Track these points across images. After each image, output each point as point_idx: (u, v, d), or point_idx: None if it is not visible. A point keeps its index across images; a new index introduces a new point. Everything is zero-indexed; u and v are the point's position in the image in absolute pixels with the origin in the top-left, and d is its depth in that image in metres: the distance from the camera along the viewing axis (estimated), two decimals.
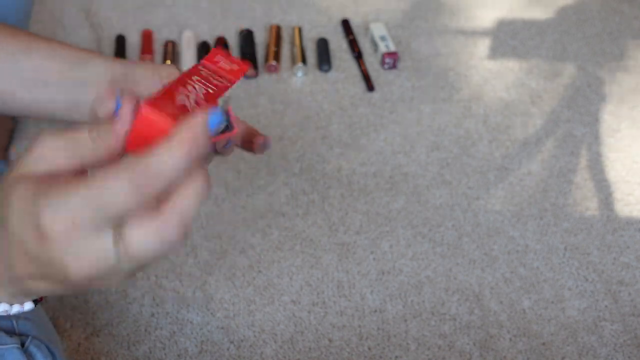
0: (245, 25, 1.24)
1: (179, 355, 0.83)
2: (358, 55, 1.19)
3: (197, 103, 0.45)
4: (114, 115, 0.43)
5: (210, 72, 0.51)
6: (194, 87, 0.47)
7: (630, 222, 0.99)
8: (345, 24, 1.25)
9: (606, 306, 0.90)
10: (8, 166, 0.97)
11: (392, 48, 1.18)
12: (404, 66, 1.19)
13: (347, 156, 1.05)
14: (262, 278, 0.90)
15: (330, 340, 0.85)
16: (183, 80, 0.46)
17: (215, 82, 0.49)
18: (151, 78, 0.60)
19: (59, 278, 0.39)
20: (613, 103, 1.15)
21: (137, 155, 0.36)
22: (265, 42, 1.22)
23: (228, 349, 0.84)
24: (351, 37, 1.22)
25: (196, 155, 0.36)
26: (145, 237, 0.37)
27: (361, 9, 1.29)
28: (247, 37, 1.21)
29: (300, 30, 1.23)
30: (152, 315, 0.86)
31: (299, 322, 0.86)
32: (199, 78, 0.49)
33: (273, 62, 1.17)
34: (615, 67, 1.21)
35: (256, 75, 1.16)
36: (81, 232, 0.37)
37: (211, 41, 1.20)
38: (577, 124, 1.12)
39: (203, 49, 1.18)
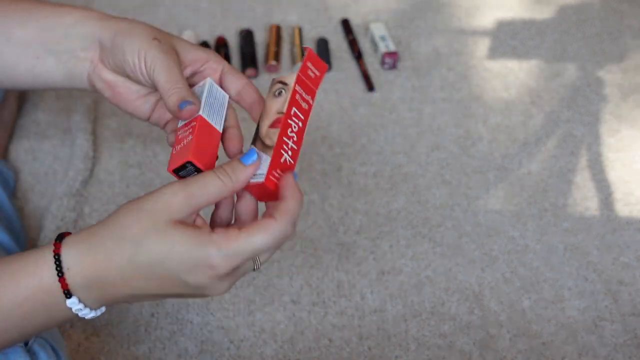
0: (245, 25, 1.24)
1: (179, 355, 0.83)
2: (358, 55, 1.19)
3: (292, 153, 0.59)
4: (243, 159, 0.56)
5: (302, 92, 0.59)
6: (293, 131, 0.59)
7: (630, 222, 0.99)
8: (345, 24, 1.25)
9: (606, 306, 0.90)
10: (9, 166, 0.97)
11: (392, 48, 1.18)
12: (404, 66, 1.20)
13: (347, 156, 1.05)
14: (262, 278, 0.90)
15: (330, 340, 0.85)
16: (286, 124, 0.58)
17: (304, 107, 0.60)
18: (135, 52, 0.61)
19: (195, 295, 0.55)
20: (613, 103, 1.15)
21: (274, 222, 0.53)
22: (265, 42, 1.22)
23: (228, 349, 0.84)
24: (351, 37, 1.22)
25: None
26: (271, 255, 0.57)
27: (361, 9, 1.29)
28: (247, 37, 1.21)
29: (300, 30, 1.23)
30: (152, 315, 0.86)
31: (299, 322, 0.86)
32: (296, 111, 0.59)
33: (273, 62, 1.17)
34: (615, 67, 1.21)
35: (256, 75, 1.16)
36: (238, 271, 0.55)
37: (211, 41, 1.20)
38: (577, 124, 1.12)
39: None
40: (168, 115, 0.66)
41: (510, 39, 1.26)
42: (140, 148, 1.04)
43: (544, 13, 1.31)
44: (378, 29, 1.22)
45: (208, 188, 0.54)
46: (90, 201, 0.96)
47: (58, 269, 0.53)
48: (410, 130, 1.10)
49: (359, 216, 0.98)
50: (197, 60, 0.64)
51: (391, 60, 1.18)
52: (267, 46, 1.20)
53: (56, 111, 1.08)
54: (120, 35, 0.62)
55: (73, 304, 0.54)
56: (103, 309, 0.57)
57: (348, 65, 1.19)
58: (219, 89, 0.63)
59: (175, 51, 0.62)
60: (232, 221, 0.59)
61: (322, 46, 1.20)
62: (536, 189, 1.02)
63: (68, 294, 0.53)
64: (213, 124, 0.60)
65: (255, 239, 0.52)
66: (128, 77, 0.63)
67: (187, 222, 0.54)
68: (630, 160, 1.07)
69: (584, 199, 1.02)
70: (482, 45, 1.24)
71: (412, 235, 0.96)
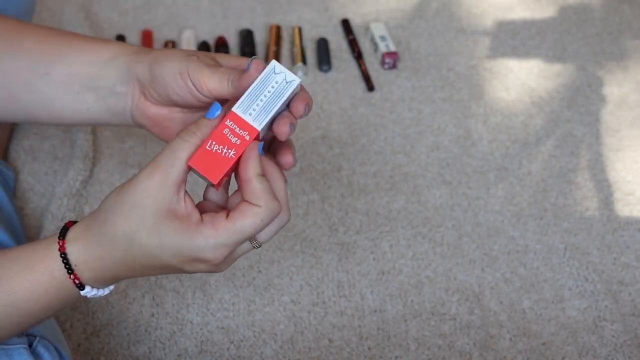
0: (245, 25, 1.24)
1: (179, 355, 0.83)
2: (358, 55, 1.19)
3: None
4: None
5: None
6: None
7: (630, 222, 0.99)
8: (345, 24, 1.25)
9: (606, 306, 0.90)
10: (9, 166, 0.97)
11: (392, 48, 1.18)
12: (404, 66, 1.20)
13: (347, 156, 1.05)
14: (262, 278, 0.90)
15: (330, 340, 0.85)
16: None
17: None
18: (177, 74, 0.59)
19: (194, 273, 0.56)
20: (613, 103, 1.15)
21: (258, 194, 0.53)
22: (265, 42, 1.22)
23: (228, 349, 0.84)
24: (351, 37, 1.22)
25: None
26: (269, 231, 0.55)
27: (361, 9, 1.29)
28: (247, 37, 1.21)
29: (300, 30, 1.23)
30: (152, 315, 0.86)
31: (299, 322, 0.86)
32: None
33: None
34: (615, 67, 1.21)
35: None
36: (234, 255, 0.55)
37: (211, 41, 1.20)
38: (577, 124, 1.12)
39: (203, 48, 1.18)
40: None
41: (510, 39, 1.26)
42: (140, 148, 1.04)
43: (544, 13, 1.31)
44: (378, 29, 1.22)
45: (178, 155, 0.53)
46: (90, 201, 0.96)
47: (67, 266, 0.55)
48: (410, 130, 1.10)
49: (359, 216, 0.98)
50: (240, 65, 0.61)
51: (391, 60, 1.18)
52: (267, 46, 1.20)
53: None
54: (157, 63, 0.60)
55: (87, 292, 0.57)
56: (112, 286, 0.59)
57: (348, 65, 1.19)
58: (284, 71, 0.55)
59: (216, 61, 0.60)
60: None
61: (322, 46, 1.20)
62: (536, 189, 1.02)
63: (81, 286, 0.56)
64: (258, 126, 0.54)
65: (243, 224, 0.52)
66: (175, 104, 0.61)
67: (176, 210, 0.53)
68: (630, 160, 1.07)
69: (584, 199, 1.02)
70: (482, 45, 1.24)
71: (412, 235, 0.96)
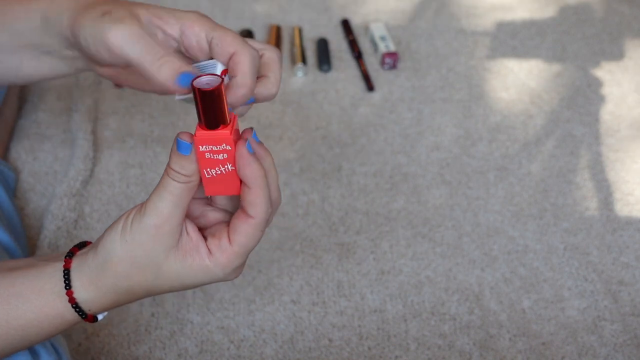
0: (245, 25, 1.24)
1: (179, 355, 0.83)
2: (358, 55, 1.19)
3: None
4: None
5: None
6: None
7: (630, 222, 0.99)
8: (345, 24, 1.25)
9: (606, 306, 0.90)
10: (9, 166, 0.97)
11: (392, 48, 1.18)
12: (404, 66, 1.20)
13: (347, 156, 1.05)
14: (262, 278, 0.90)
15: (330, 340, 0.85)
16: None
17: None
18: (92, 24, 0.57)
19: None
20: (613, 103, 1.15)
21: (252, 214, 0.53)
22: (265, 42, 1.22)
23: (228, 349, 0.84)
24: (351, 37, 1.22)
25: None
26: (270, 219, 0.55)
27: (361, 9, 1.29)
28: (247, 37, 1.21)
29: (300, 30, 1.23)
30: (152, 315, 0.86)
31: (299, 322, 0.86)
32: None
33: None
34: (615, 67, 1.21)
35: None
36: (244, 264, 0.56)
37: None
38: (577, 124, 1.12)
39: None
40: None
41: (510, 39, 1.26)
42: (141, 148, 1.04)
43: (544, 13, 1.31)
44: (378, 29, 1.22)
45: (177, 203, 0.52)
46: (90, 201, 0.96)
47: (80, 313, 0.56)
48: (410, 130, 1.10)
49: (359, 216, 0.98)
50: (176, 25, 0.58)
51: (391, 60, 1.18)
52: None
53: (56, 111, 1.08)
54: (76, 26, 0.57)
55: (98, 319, 0.58)
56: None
57: (348, 65, 1.19)
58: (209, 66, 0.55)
59: (137, 19, 0.55)
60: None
61: (322, 46, 1.20)
62: (536, 189, 1.02)
63: (83, 314, 0.56)
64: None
65: (249, 243, 0.53)
66: (119, 66, 0.60)
67: (184, 246, 0.54)
68: (630, 160, 1.07)
69: (584, 199, 1.02)
70: (482, 45, 1.24)
71: (412, 235, 0.96)
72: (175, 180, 0.51)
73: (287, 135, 1.07)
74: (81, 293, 0.55)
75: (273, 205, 0.54)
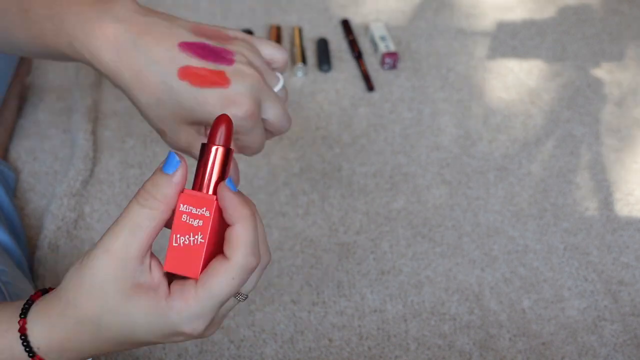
0: (245, 25, 1.24)
1: (179, 355, 0.83)
2: (358, 55, 1.19)
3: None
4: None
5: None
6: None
7: (630, 222, 0.99)
8: (345, 24, 1.25)
9: (606, 306, 0.90)
10: (9, 166, 0.97)
11: (392, 48, 1.18)
12: (404, 66, 1.20)
13: (347, 156, 1.05)
14: (262, 278, 0.90)
15: (330, 340, 0.85)
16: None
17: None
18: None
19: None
20: (613, 103, 1.15)
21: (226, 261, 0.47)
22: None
23: (228, 349, 0.84)
24: (351, 37, 1.22)
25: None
26: (254, 283, 0.51)
27: (361, 9, 1.29)
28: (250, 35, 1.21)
29: (300, 30, 1.23)
30: None
31: (299, 322, 0.86)
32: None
33: None
34: (615, 67, 1.21)
35: None
36: (217, 318, 0.50)
37: None
38: (577, 124, 1.12)
39: None
40: None
41: (510, 39, 1.26)
42: (141, 148, 1.04)
43: (544, 13, 1.31)
44: (378, 29, 1.22)
45: (138, 223, 0.47)
46: (90, 201, 0.96)
47: (27, 349, 0.49)
48: (410, 130, 1.10)
49: (359, 216, 0.98)
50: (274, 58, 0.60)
51: (391, 60, 1.18)
52: None
53: (56, 111, 1.08)
54: (131, 91, 0.59)
55: None
56: None
57: (348, 65, 1.19)
58: None
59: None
60: None
61: (322, 46, 1.20)
62: (536, 189, 1.02)
63: None
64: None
65: (214, 289, 0.47)
66: None
67: (142, 283, 0.48)
68: (630, 160, 1.07)
69: (584, 199, 1.02)
70: (482, 45, 1.24)
71: (412, 235, 0.96)
72: (139, 204, 0.47)
73: (287, 135, 1.07)
74: (33, 324, 0.49)
75: (259, 260, 0.49)
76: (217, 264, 0.47)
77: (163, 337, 0.49)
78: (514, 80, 1.18)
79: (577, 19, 1.30)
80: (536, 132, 1.10)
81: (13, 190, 0.96)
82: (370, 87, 1.15)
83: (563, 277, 0.93)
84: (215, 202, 0.48)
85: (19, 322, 0.50)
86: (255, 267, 0.48)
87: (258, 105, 0.59)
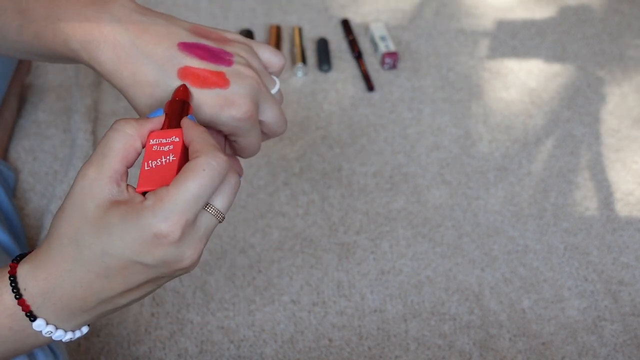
0: (245, 25, 1.24)
1: (179, 355, 0.83)
2: (358, 55, 1.19)
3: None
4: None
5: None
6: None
7: (630, 222, 0.99)
8: (345, 24, 1.25)
9: (606, 306, 0.90)
10: (9, 166, 0.97)
11: (392, 48, 1.18)
12: (404, 66, 1.20)
13: (347, 156, 1.05)
14: (262, 278, 0.90)
15: (330, 340, 0.85)
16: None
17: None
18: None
19: (171, 274, 0.50)
20: (613, 103, 1.15)
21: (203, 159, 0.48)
22: (265, 42, 1.22)
23: (228, 349, 0.84)
24: (351, 37, 1.22)
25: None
26: (223, 195, 0.50)
27: (361, 9, 1.29)
28: (247, 38, 1.21)
29: (300, 30, 1.23)
30: (152, 315, 0.86)
31: (299, 322, 0.86)
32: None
33: None
34: (615, 67, 1.21)
35: None
36: (195, 229, 0.49)
37: None
38: (577, 124, 1.12)
39: None
40: None
41: (510, 39, 1.26)
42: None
43: (544, 13, 1.31)
44: (378, 29, 1.22)
45: (111, 146, 0.50)
46: None
47: (15, 290, 0.49)
48: (410, 130, 1.10)
49: (359, 216, 0.98)
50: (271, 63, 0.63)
51: (391, 60, 1.18)
52: None
53: (56, 111, 1.08)
54: (125, 91, 0.59)
55: (39, 326, 0.50)
56: (84, 329, 0.53)
57: (348, 65, 1.19)
58: None
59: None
60: None
61: (322, 46, 1.20)
62: (536, 189, 1.02)
63: (32, 317, 0.50)
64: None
65: (185, 183, 0.47)
66: None
67: (118, 199, 0.49)
68: (630, 160, 1.07)
69: (584, 199, 1.02)
70: (482, 45, 1.24)
71: (412, 235, 0.96)
72: (112, 129, 0.50)
73: (287, 135, 1.07)
74: (22, 266, 0.50)
75: (227, 161, 0.50)
76: (185, 165, 0.49)
77: (143, 248, 0.47)
78: (514, 80, 1.18)
79: (577, 19, 1.30)
80: (536, 132, 1.10)
81: (13, 190, 0.96)
82: (370, 87, 1.15)
83: (563, 277, 0.92)
84: (182, 130, 0.51)
85: (10, 264, 0.51)
86: (225, 168, 0.49)
87: (256, 107, 0.59)
